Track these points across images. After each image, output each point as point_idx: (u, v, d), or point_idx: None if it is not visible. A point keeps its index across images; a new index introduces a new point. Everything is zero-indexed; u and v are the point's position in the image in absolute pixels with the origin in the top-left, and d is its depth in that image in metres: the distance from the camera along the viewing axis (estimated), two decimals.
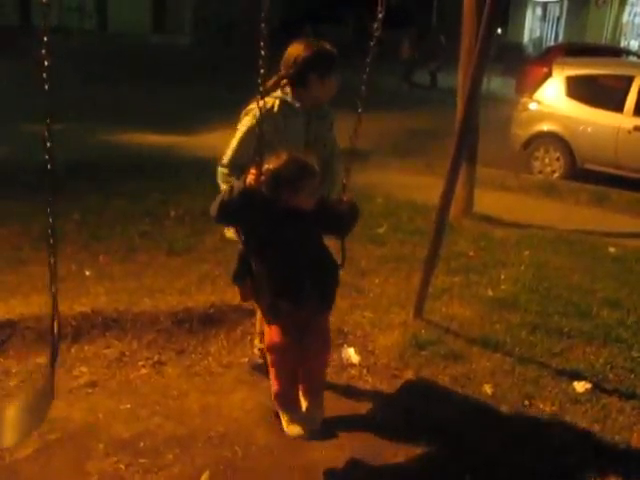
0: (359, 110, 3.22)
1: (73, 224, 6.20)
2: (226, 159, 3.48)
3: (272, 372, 3.27)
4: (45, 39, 2.26)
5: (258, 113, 3.08)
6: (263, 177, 2.94)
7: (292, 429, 3.22)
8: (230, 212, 2.94)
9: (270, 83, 3.48)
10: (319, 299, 3.16)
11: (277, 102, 3.46)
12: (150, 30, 28.89)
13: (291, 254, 3.03)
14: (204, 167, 8.44)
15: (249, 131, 3.36)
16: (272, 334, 3.18)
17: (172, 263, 5.46)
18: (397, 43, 20.75)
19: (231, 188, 2.93)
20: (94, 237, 5.95)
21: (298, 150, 3.27)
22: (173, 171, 8.22)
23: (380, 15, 3.15)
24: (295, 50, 3.48)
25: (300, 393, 3.32)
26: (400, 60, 20.81)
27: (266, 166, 2.98)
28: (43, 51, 2.31)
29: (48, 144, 2.37)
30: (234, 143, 3.48)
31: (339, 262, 3.26)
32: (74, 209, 6.48)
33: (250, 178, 2.94)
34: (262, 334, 3.71)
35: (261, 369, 3.81)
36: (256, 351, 3.99)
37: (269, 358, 3.27)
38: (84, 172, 7.93)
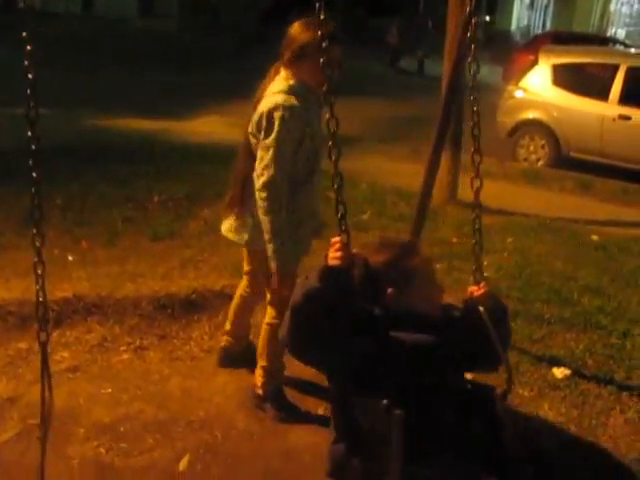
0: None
1: (56, 209, 6.16)
2: (272, 171, 3.07)
3: None
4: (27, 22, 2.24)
5: (288, 113, 2.97)
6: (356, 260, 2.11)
7: None
8: (318, 307, 1.97)
9: (279, 71, 3.24)
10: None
11: (293, 97, 3.13)
12: (137, 14, 28.66)
13: (431, 399, 2.06)
14: (190, 152, 8.52)
15: (285, 132, 3.08)
16: None
17: (155, 248, 5.46)
18: (384, 30, 20.73)
19: (303, 283, 2.05)
20: (77, 222, 5.93)
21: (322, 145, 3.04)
22: (159, 156, 8.16)
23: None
24: (306, 32, 3.15)
25: None
26: (387, 47, 20.78)
27: (356, 251, 2.15)
28: (24, 34, 2.28)
29: (29, 132, 2.34)
30: (274, 150, 3.08)
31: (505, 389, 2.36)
32: (57, 194, 6.43)
33: (335, 255, 2.05)
34: (233, 320, 3.74)
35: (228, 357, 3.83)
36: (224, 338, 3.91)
37: None
38: (68, 157, 7.85)
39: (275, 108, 3.08)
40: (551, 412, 3.62)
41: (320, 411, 3.48)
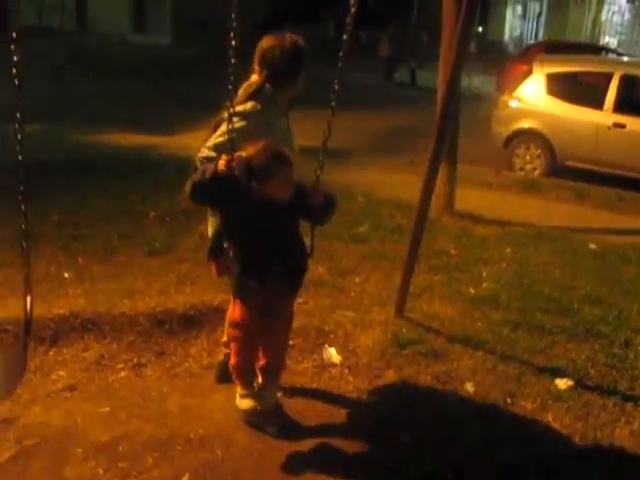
0: (332, 104, 3.14)
1: (52, 225, 6.12)
2: (211, 142, 3.38)
3: (233, 346, 3.40)
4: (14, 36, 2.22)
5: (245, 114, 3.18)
6: (235, 164, 2.98)
7: (243, 402, 3.41)
8: (201, 193, 3.04)
9: (251, 83, 3.43)
10: (285, 282, 3.25)
11: (257, 107, 3.36)
12: (131, 30, 28.68)
13: (260, 238, 3.12)
14: (185, 167, 8.44)
15: (239, 130, 3.24)
16: (236, 310, 3.32)
17: (151, 263, 5.40)
18: (378, 41, 20.78)
19: (203, 170, 3.01)
20: (73, 238, 5.88)
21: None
22: (153, 171, 8.11)
23: (353, 10, 3.05)
24: (271, 45, 3.40)
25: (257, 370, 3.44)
26: (380, 58, 20.81)
27: (239, 153, 3.01)
28: (12, 47, 2.26)
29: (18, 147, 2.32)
30: (220, 133, 3.35)
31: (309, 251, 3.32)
32: (53, 210, 6.40)
33: (221, 163, 2.99)
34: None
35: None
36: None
37: (231, 333, 3.39)
38: (63, 172, 7.82)
39: (236, 114, 3.20)
40: (555, 424, 3.58)
41: (321, 428, 3.44)
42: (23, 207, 2.56)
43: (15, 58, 2.19)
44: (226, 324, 3.74)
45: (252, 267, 3.16)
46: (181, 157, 8.15)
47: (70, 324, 4.27)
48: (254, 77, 3.46)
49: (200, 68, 19.62)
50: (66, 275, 5.11)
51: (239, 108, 3.27)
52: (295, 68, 3.41)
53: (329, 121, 3.16)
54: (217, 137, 3.32)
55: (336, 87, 3.13)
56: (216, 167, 2.99)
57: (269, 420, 3.39)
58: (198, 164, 3.30)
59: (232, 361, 3.41)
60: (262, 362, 3.42)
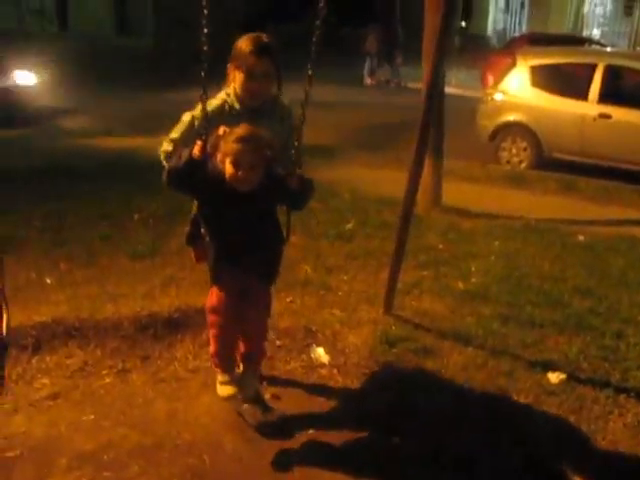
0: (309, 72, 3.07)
1: (34, 230, 6.05)
2: (165, 144, 3.42)
3: (210, 333, 3.40)
4: None
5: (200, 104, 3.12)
6: (209, 148, 2.99)
7: (223, 390, 3.41)
8: (176, 178, 3.02)
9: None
10: (260, 268, 3.25)
11: (218, 102, 3.36)
12: (114, 32, 28.54)
13: (234, 224, 3.12)
14: None
15: (188, 123, 3.35)
16: (213, 296, 3.29)
17: (135, 267, 5.32)
18: (363, 39, 20.71)
19: (179, 156, 2.99)
20: (55, 243, 5.79)
21: None
22: (137, 174, 8.01)
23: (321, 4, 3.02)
24: (238, 45, 3.33)
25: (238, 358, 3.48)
26: (365, 55, 20.75)
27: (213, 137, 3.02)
28: None
29: None
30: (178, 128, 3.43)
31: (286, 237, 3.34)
32: (35, 215, 6.32)
33: (196, 149, 2.96)
34: None
35: None
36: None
37: (208, 318, 3.36)
38: (45, 177, 7.76)
39: (194, 109, 3.29)
40: (548, 418, 3.52)
41: (311, 428, 3.37)
42: None
43: None
44: None
45: (227, 253, 3.18)
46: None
47: (52, 331, 4.18)
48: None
49: (181, 69, 19.53)
50: (48, 281, 5.03)
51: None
52: (265, 67, 3.28)
53: (306, 91, 3.10)
54: (174, 131, 3.39)
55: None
56: (191, 152, 2.97)
57: (250, 412, 3.39)
58: (162, 157, 3.36)
59: (211, 348, 3.43)
60: (243, 351, 3.46)
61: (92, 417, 3.47)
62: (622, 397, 3.75)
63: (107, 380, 3.82)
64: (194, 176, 2.98)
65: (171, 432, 3.35)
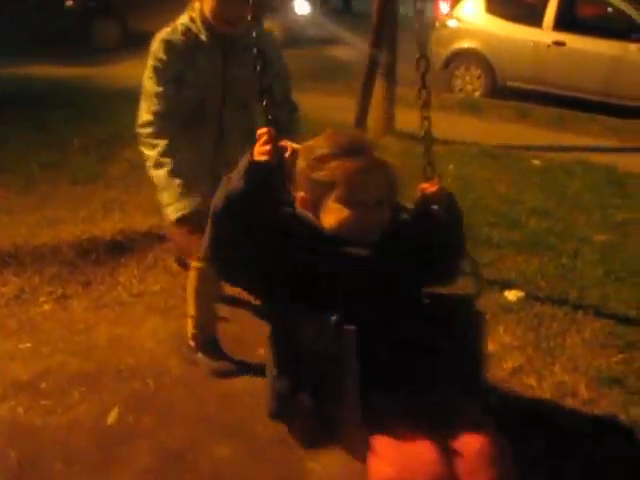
0: None
1: None
2: (144, 114, 2.74)
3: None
4: None
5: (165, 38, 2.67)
6: (288, 155, 1.81)
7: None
8: (238, 209, 1.66)
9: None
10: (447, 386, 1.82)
11: (179, 28, 2.75)
12: None
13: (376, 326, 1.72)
14: (110, 95, 8.01)
15: (160, 64, 2.72)
16: (378, 465, 1.64)
17: (76, 192, 5.06)
18: None
19: (229, 178, 1.71)
20: None
21: (216, 95, 2.77)
22: (78, 100, 7.67)
23: None
24: None
25: None
26: None
27: (287, 143, 1.85)
28: None
29: None
30: (148, 91, 2.75)
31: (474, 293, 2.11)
32: None
33: (261, 149, 1.72)
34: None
35: None
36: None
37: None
38: None
39: (153, 41, 2.76)
40: (507, 336, 3.42)
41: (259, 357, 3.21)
42: None
43: None
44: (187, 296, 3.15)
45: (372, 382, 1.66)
46: (107, 86, 7.74)
47: None
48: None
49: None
50: None
51: (158, 34, 2.77)
52: None
53: None
54: (147, 101, 2.75)
55: None
56: (252, 155, 1.71)
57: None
58: (143, 135, 2.75)
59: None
60: None
61: (29, 345, 3.28)
62: (580, 314, 3.66)
63: (45, 307, 3.63)
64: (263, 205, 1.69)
65: (114, 358, 3.18)
